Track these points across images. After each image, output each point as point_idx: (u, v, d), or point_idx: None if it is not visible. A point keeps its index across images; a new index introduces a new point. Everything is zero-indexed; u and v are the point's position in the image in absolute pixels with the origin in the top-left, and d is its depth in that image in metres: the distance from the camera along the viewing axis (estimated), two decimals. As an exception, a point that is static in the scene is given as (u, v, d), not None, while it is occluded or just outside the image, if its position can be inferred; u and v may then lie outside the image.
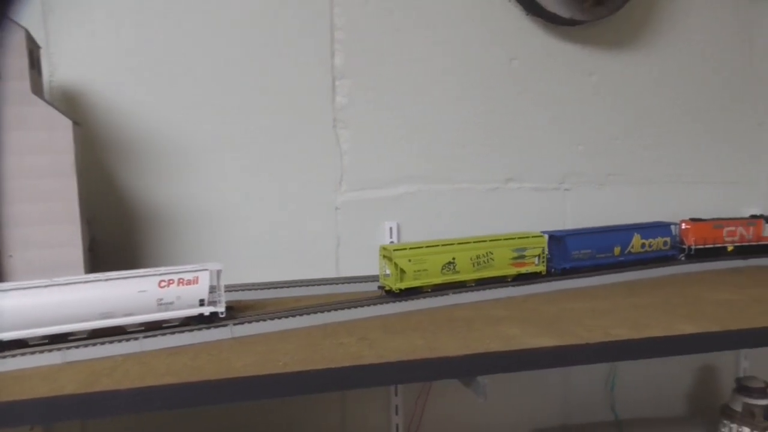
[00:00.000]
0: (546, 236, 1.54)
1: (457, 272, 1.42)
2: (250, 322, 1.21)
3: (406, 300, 1.36)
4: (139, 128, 1.49)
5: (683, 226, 1.79)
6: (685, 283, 1.61)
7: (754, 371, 1.94)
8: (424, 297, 1.39)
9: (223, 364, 1.02)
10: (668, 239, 1.75)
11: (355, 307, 1.31)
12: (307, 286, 1.50)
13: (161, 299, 1.14)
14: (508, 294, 1.48)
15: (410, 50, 1.64)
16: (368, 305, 1.32)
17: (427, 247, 1.39)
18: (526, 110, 1.76)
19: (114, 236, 1.49)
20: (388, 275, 1.38)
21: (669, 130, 1.89)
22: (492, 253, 1.45)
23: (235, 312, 1.28)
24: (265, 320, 1.22)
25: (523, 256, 1.50)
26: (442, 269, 1.40)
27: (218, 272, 1.21)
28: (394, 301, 1.35)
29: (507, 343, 1.13)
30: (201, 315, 1.18)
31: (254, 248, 1.58)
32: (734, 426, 1.67)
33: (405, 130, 1.66)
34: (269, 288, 1.47)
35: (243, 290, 1.44)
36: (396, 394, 1.69)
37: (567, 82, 1.77)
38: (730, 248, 1.82)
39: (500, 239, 1.47)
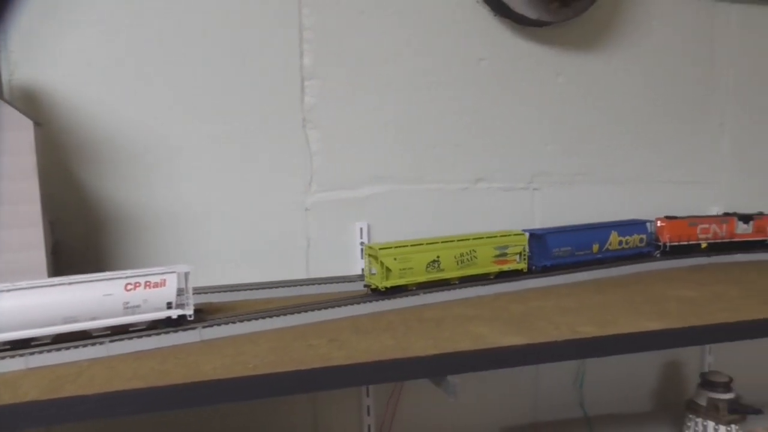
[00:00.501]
0: (527, 234, 1.57)
1: (442, 270, 1.45)
2: (219, 324, 1.19)
3: (377, 300, 1.36)
4: (103, 129, 1.47)
5: (659, 223, 1.84)
6: (650, 280, 1.64)
7: (718, 366, 1.99)
8: (396, 297, 1.39)
9: (192, 368, 1.01)
10: (644, 236, 1.79)
11: (326, 308, 1.31)
12: (277, 287, 1.49)
13: (127, 302, 1.13)
14: (485, 292, 1.50)
15: (380, 51, 1.65)
16: (338, 306, 1.32)
17: (412, 245, 1.42)
18: (495, 110, 1.77)
19: (78, 239, 1.46)
20: (374, 274, 1.40)
21: (634, 130, 1.92)
22: (475, 251, 1.49)
23: (204, 314, 1.27)
24: (234, 323, 1.21)
25: (505, 254, 1.53)
26: (427, 267, 1.43)
27: (186, 274, 1.19)
28: (364, 302, 1.35)
29: (476, 342, 1.14)
30: (169, 318, 1.16)
31: (223, 250, 1.57)
32: (699, 420, 1.71)
33: (375, 131, 1.67)
34: (238, 290, 1.46)
35: (212, 292, 1.43)
36: (367, 395, 1.69)
37: (535, 83, 1.79)
38: (703, 245, 1.87)
39: (483, 237, 1.51)
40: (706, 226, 1.87)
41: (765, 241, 1.92)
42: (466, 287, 1.48)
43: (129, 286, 1.13)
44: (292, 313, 1.27)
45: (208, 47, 1.52)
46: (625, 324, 1.25)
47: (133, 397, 0.92)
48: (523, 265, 1.56)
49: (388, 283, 1.38)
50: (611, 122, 1.89)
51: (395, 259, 1.38)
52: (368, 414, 1.70)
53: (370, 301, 1.36)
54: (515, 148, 1.80)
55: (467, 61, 1.72)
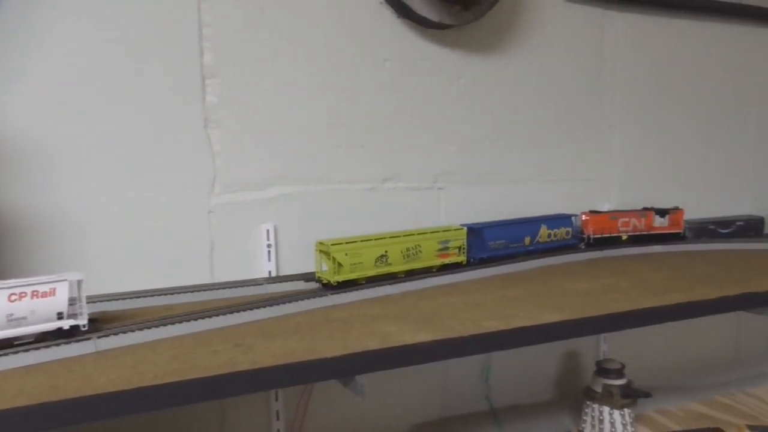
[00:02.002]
0: (465, 229, 1.68)
1: (390, 264, 1.52)
2: (116, 334, 1.13)
3: (275, 305, 1.34)
4: (-17, 128, 1.36)
5: (583, 217, 1.97)
6: (548, 274, 1.71)
7: (611, 354, 2.11)
8: (296, 300, 1.38)
9: (85, 381, 0.95)
10: (570, 230, 1.93)
11: (231, 312, 1.27)
12: (180, 293, 1.43)
13: (11, 314, 1.05)
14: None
15: (284, 50, 1.62)
16: (244, 310, 1.29)
17: (361, 241, 1.49)
18: (401, 111, 1.79)
19: (-44, 248, 1.34)
20: (325, 270, 1.46)
21: (532, 131, 2.00)
22: (420, 246, 1.58)
23: (100, 324, 1.20)
24: (133, 331, 1.15)
25: (447, 248, 1.63)
26: (376, 262, 1.50)
27: (79, 282, 1.12)
28: (270, 305, 1.33)
29: (384, 341, 1.15)
30: (60, 329, 1.09)
31: (121, 256, 1.49)
32: (596, 406, 1.80)
33: (280, 131, 1.64)
34: (138, 297, 1.39)
35: (109, 300, 1.36)
36: (276, 399, 1.66)
37: (438, 84, 1.83)
38: (624, 237, 2.01)
39: (427, 233, 1.60)
40: (627, 219, 2.02)
41: (679, 233, 2.09)
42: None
43: (13, 297, 1.05)
44: (195, 319, 1.23)
45: (103, 45, 1.44)
46: (527, 317, 1.30)
47: (17, 416, 0.85)
48: (462, 258, 1.67)
49: (340, 278, 1.44)
50: (511, 123, 1.96)
51: (346, 254, 1.45)
52: (277, 418, 1.67)
53: (277, 304, 1.34)
54: (420, 148, 1.83)
55: (371, 62, 1.73)
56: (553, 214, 1.95)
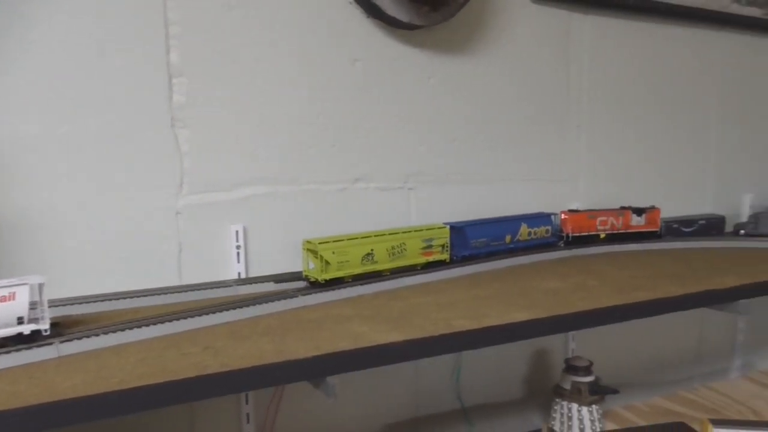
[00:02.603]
0: (448, 227, 1.71)
1: (376, 262, 1.55)
2: (79, 338, 1.10)
3: (245, 307, 1.32)
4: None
5: (562, 216, 2.01)
6: (519, 273, 1.73)
7: (580, 351, 2.14)
8: (267, 302, 1.36)
9: (47, 387, 0.93)
10: (549, 228, 1.97)
11: (200, 315, 1.25)
12: (147, 296, 1.40)
13: (-30, 320, 1.02)
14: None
15: (252, 49, 1.60)
16: (213, 312, 1.27)
17: (348, 239, 1.50)
18: (371, 111, 1.79)
19: None
20: (312, 268, 1.47)
21: (502, 132, 2.02)
22: (405, 244, 1.60)
23: (63, 328, 1.17)
24: (97, 335, 1.12)
25: (431, 246, 1.66)
26: (362, 260, 1.52)
27: (40, 286, 1.09)
28: (240, 307, 1.31)
29: (356, 341, 1.14)
30: (20, 334, 1.06)
31: (85, 258, 1.46)
32: (564, 403, 1.83)
33: (249, 131, 1.62)
34: (103, 300, 1.36)
35: (72, 304, 1.32)
36: (246, 402, 1.64)
37: (408, 85, 1.83)
38: (602, 236, 2.05)
39: (411, 231, 1.63)
40: (605, 218, 2.06)
41: (656, 231, 2.14)
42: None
43: (-29, 301, 1.02)
44: (162, 322, 1.20)
45: (67, 45, 1.40)
46: (497, 316, 1.31)
47: (-24, 424, 0.83)
48: (446, 256, 1.71)
49: (327, 276, 1.46)
50: (481, 124, 1.97)
51: (334, 252, 1.47)
52: (248, 422, 1.65)
53: (247, 306, 1.32)
54: (390, 148, 1.83)
55: (341, 62, 1.73)
56: (533, 213, 1.98)
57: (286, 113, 1.67)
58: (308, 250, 1.50)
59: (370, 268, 1.55)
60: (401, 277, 1.59)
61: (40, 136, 1.40)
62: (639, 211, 2.11)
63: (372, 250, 1.55)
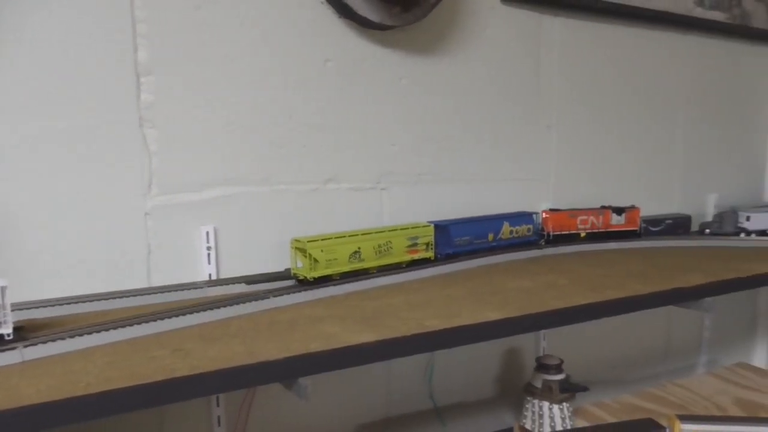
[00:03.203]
0: (433, 225, 1.74)
1: (363, 260, 1.57)
2: (44, 342, 1.08)
3: (215, 309, 1.31)
4: None
5: (544, 215, 2.04)
6: (492, 272, 1.74)
7: (551, 350, 2.16)
8: (237, 303, 1.35)
9: (11, 392, 0.90)
10: (531, 227, 2.00)
11: (169, 317, 1.23)
12: (115, 298, 1.38)
13: (-71, 324, 0.99)
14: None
15: (221, 48, 1.59)
16: (183, 314, 1.25)
17: (336, 238, 1.52)
18: (343, 111, 1.78)
19: None
20: (300, 266, 1.49)
21: (473, 132, 2.03)
22: (391, 242, 1.63)
23: (27, 332, 1.14)
24: (63, 339, 1.10)
25: (416, 244, 1.69)
26: (350, 258, 1.54)
27: (2, 289, 1.06)
28: (210, 309, 1.29)
29: (327, 342, 1.14)
30: (-18, 339, 1.04)
31: (50, 261, 1.43)
32: (536, 401, 1.85)
33: (218, 131, 1.60)
34: (69, 303, 1.33)
35: (37, 307, 1.29)
36: (217, 405, 1.63)
37: (380, 85, 1.83)
38: (582, 234, 2.09)
39: (397, 229, 1.66)
40: (585, 217, 2.10)
41: (635, 230, 2.18)
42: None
43: (-69, 306, 0.99)
44: (131, 325, 1.18)
45: (32, 42, 1.37)
46: (469, 315, 1.31)
47: (-64, 431, 0.80)
48: (431, 254, 1.74)
49: (316, 274, 1.48)
50: (452, 124, 1.98)
51: (322, 250, 1.48)
52: (219, 424, 1.63)
53: (218, 308, 1.30)
54: (363, 148, 1.82)
55: (313, 62, 1.72)
56: (515, 212, 2.02)
57: (256, 113, 1.65)
58: (297, 248, 1.51)
59: (357, 266, 1.57)
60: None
61: (2, 135, 1.36)
62: (619, 211, 2.15)
63: (359, 248, 1.57)
